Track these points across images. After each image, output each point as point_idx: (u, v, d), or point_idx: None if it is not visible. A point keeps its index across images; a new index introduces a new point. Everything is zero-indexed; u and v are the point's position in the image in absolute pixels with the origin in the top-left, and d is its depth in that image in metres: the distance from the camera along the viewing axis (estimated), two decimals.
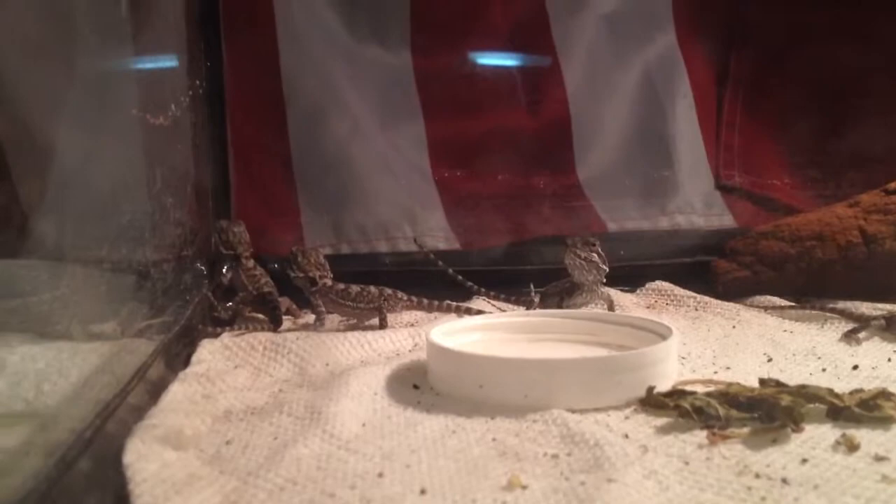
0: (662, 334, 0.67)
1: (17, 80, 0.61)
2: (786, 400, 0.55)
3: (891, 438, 0.52)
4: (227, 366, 0.71)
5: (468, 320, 0.78)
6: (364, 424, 0.56)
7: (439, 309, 0.90)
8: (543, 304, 0.91)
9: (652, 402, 0.58)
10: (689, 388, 0.60)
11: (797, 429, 0.53)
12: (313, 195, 1.15)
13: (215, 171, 1.05)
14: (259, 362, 0.73)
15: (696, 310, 0.94)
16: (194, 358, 0.71)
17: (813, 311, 0.88)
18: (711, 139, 1.30)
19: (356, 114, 1.17)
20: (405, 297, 0.89)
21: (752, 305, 0.94)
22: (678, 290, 0.99)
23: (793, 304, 0.91)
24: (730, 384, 0.59)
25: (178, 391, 0.62)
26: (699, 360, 0.72)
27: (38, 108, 0.63)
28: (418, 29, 1.20)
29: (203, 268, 0.93)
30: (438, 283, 0.98)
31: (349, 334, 0.79)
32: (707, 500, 0.44)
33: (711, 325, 0.86)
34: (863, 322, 0.80)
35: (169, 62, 0.90)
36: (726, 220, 1.25)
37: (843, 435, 0.51)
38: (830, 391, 0.57)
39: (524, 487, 0.46)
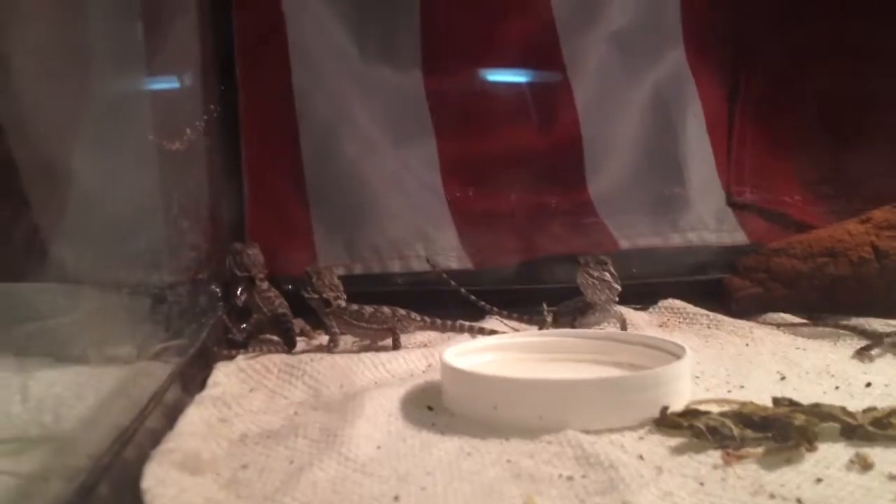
0: (676, 353, 0.67)
1: (35, 105, 0.62)
2: (799, 419, 0.55)
3: None
4: (242, 389, 0.72)
5: (482, 340, 0.79)
6: (379, 447, 0.57)
7: (452, 329, 0.90)
8: (556, 324, 0.91)
9: (666, 423, 0.59)
10: (703, 407, 0.60)
11: (811, 448, 0.53)
12: (326, 215, 1.15)
13: (229, 193, 1.06)
14: (274, 385, 0.73)
15: (709, 328, 0.94)
16: (210, 381, 0.72)
17: (826, 329, 0.88)
18: (722, 156, 1.31)
19: (368, 134, 1.18)
20: (418, 318, 0.89)
21: (764, 323, 0.94)
22: (691, 308, 0.99)
23: (805, 321, 0.91)
24: (744, 403, 0.60)
25: (195, 415, 0.62)
26: (713, 378, 0.72)
27: (56, 133, 0.64)
28: (429, 49, 1.21)
29: (218, 290, 0.93)
30: (451, 302, 0.98)
31: (363, 355, 0.80)
32: None
33: (724, 344, 0.86)
34: (875, 339, 0.80)
35: (184, 86, 0.91)
36: (738, 237, 1.25)
37: (857, 454, 0.51)
38: (843, 410, 0.57)
39: None
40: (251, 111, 1.12)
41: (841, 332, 0.86)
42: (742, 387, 0.69)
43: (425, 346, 0.87)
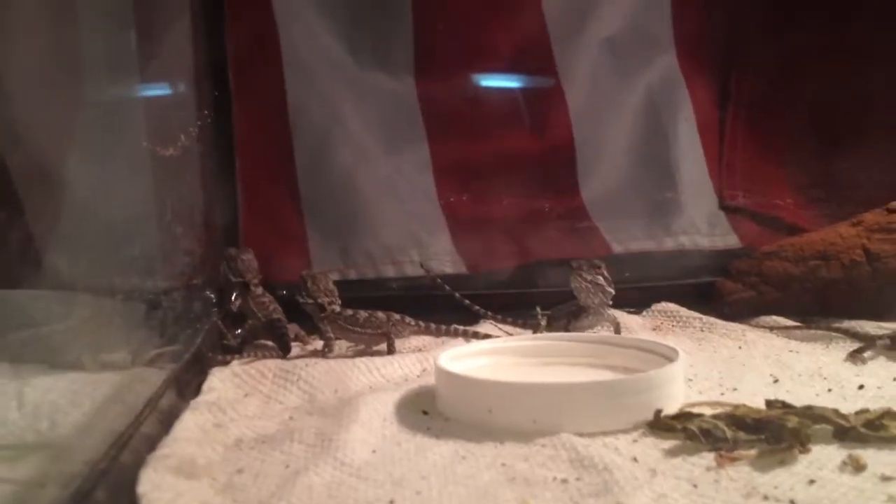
0: (669, 357, 0.67)
1: (29, 112, 0.62)
2: (792, 421, 0.55)
3: None
4: (237, 394, 0.72)
5: (476, 344, 0.79)
6: (374, 451, 0.57)
7: (447, 333, 0.90)
8: (550, 327, 0.92)
9: (660, 425, 0.59)
10: (696, 410, 0.61)
11: (804, 450, 0.53)
12: (320, 221, 1.16)
13: (223, 199, 1.06)
14: (269, 390, 0.73)
15: (702, 331, 0.94)
16: (205, 387, 0.72)
17: (818, 332, 0.88)
18: (714, 160, 1.31)
19: (361, 140, 1.18)
20: (413, 323, 0.89)
21: (757, 326, 0.94)
22: (684, 312, 1.00)
23: (798, 324, 0.92)
24: (737, 406, 0.60)
25: (190, 420, 0.62)
26: (706, 381, 0.72)
27: (49, 140, 0.64)
28: (422, 55, 1.21)
29: (212, 296, 0.94)
30: (445, 307, 0.99)
31: (358, 360, 0.80)
32: None
33: (717, 347, 0.86)
34: (867, 342, 0.80)
35: (178, 93, 0.92)
36: (731, 241, 1.25)
37: (850, 455, 0.52)
38: (836, 412, 0.57)
39: None
40: (245, 119, 1.12)
41: (833, 334, 0.86)
42: (735, 389, 0.70)
43: (419, 350, 0.87)
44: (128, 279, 0.74)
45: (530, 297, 1.03)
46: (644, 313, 1.03)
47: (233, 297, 0.93)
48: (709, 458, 0.53)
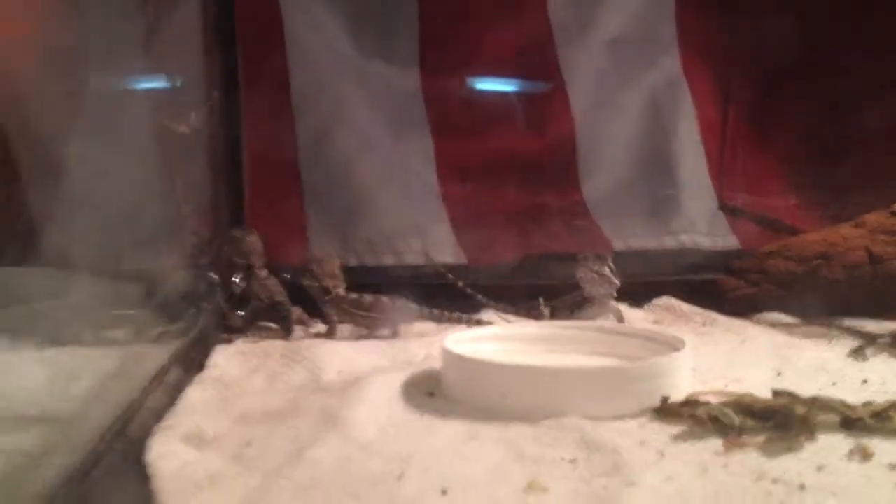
0: (675, 346, 0.67)
1: (31, 87, 0.62)
2: (800, 410, 0.55)
3: None
4: (242, 371, 0.72)
5: (482, 330, 0.79)
6: (381, 429, 0.57)
7: (450, 320, 0.90)
8: (554, 318, 0.92)
9: (666, 412, 0.59)
10: (701, 398, 0.61)
11: (811, 437, 0.54)
12: (321, 209, 1.16)
13: (230, 181, 1.06)
14: (274, 368, 0.73)
15: (704, 325, 0.94)
16: (209, 363, 0.72)
17: (820, 329, 0.89)
18: (715, 161, 1.32)
19: (364, 129, 1.18)
20: (416, 308, 0.89)
21: (758, 322, 0.94)
22: (685, 307, 1.00)
23: (799, 321, 0.92)
24: (743, 395, 0.60)
25: (195, 395, 0.62)
26: (709, 373, 0.72)
27: (53, 116, 0.64)
28: (427, 48, 1.21)
29: (216, 277, 0.93)
30: (447, 296, 0.99)
31: (362, 343, 0.80)
32: None
33: (719, 341, 0.86)
34: (869, 339, 0.81)
35: (186, 72, 0.91)
36: (730, 242, 1.26)
37: (857, 444, 0.52)
38: (843, 402, 0.57)
39: (545, 490, 0.46)
40: (251, 103, 1.12)
41: (835, 332, 0.87)
42: (738, 381, 0.70)
43: (423, 336, 0.87)
44: (132, 258, 0.74)
45: (530, 290, 1.03)
46: (645, 307, 1.03)
47: (237, 279, 0.92)
48: (716, 443, 0.53)
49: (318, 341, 0.82)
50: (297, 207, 1.15)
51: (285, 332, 0.86)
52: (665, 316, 0.99)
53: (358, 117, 1.18)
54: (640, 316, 0.99)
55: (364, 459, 0.51)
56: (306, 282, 0.88)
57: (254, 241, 0.92)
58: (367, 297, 0.87)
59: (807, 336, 0.87)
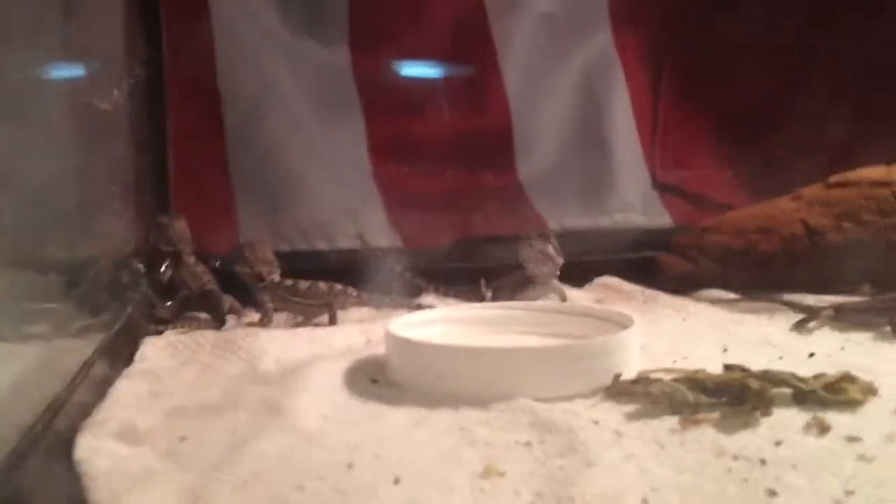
0: (623, 324, 0.66)
1: None
2: (754, 384, 0.54)
3: (860, 420, 0.52)
4: (173, 363, 0.68)
5: (425, 313, 0.76)
6: (325, 418, 0.54)
7: (390, 306, 0.88)
8: (496, 299, 0.90)
9: (619, 390, 0.58)
10: (653, 376, 0.59)
11: (766, 412, 0.53)
12: (250, 192, 1.12)
13: (155, 163, 1.01)
14: (207, 360, 0.70)
15: (645, 303, 0.93)
16: (138, 356, 0.68)
17: (760, 304, 0.88)
18: (648, 139, 1.32)
19: (294, 110, 1.15)
20: (355, 294, 0.87)
21: (698, 299, 0.94)
22: (626, 286, 0.99)
23: (739, 297, 0.92)
24: (695, 371, 0.59)
25: (125, 388, 0.59)
26: (656, 350, 0.71)
27: None
28: (357, 25, 1.18)
29: (140, 265, 0.89)
30: (384, 282, 0.96)
31: (299, 330, 0.77)
32: (688, 481, 0.43)
33: (661, 318, 0.86)
34: (812, 313, 0.81)
35: (105, 47, 0.87)
36: (665, 220, 1.26)
37: (814, 417, 0.51)
38: (794, 375, 0.57)
39: (501, 474, 0.44)
40: (177, 81, 1.08)
41: (776, 306, 0.87)
42: (686, 358, 0.68)
43: (363, 321, 0.85)
44: (50, 247, 0.70)
45: (471, 272, 1.01)
46: (586, 287, 1.01)
47: (163, 267, 0.88)
48: (671, 421, 0.52)
49: (252, 330, 0.78)
50: (226, 191, 1.11)
51: (217, 322, 0.82)
52: (607, 295, 0.98)
53: (286, 96, 1.14)
54: (582, 296, 0.98)
55: (309, 450, 0.49)
56: (238, 268, 0.84)
57: (181, 226, 0.88)
58: (303, 283, 0.84)
59: (748, 311, 0.87)
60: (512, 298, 0.87)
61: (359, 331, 0.79)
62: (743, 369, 0.58)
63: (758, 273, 0.96)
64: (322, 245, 1.11)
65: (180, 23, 1.08)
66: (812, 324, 0.79)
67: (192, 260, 0.88)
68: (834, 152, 1.13)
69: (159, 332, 0.76)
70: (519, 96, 1.25)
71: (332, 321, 0.83)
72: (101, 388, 0.59)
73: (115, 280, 0.82)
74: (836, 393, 0.55)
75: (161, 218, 0.89)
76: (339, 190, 1.14)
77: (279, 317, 0.86)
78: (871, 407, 0.54)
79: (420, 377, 0.60)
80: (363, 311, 0.89)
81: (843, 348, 0.71)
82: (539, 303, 0.82)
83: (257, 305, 0.85)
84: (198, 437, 0.51)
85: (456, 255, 1.14)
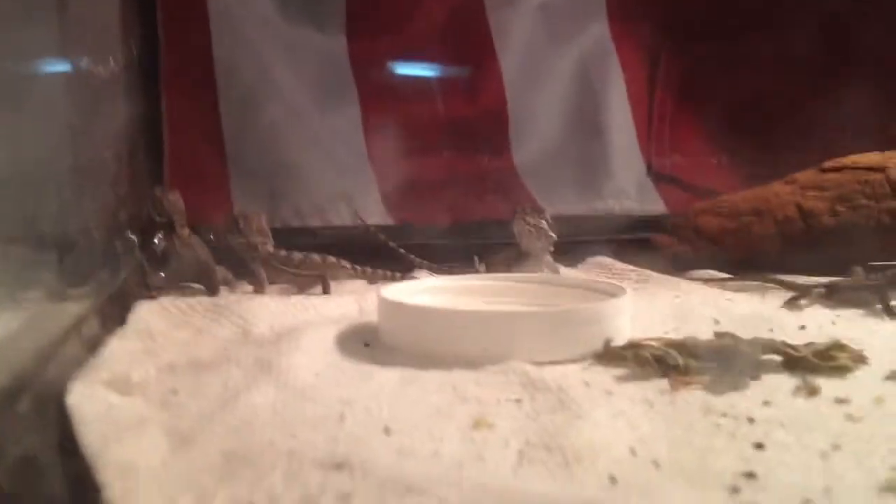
0: (615, 294, 0.66)
1: None
2: (745, 348, 0.55)
3: (849, 385, 0.52)
4: (166, 325, 0.68)
5: (420, 282, 0.77)
6: (318, 375, 0.54)
7: (383, 278, 0.88)
8: (490, 273, 0.90)
9: (609, 355, 0.58)
10: (644, 342, 0.60)
11: (755, 376, 0.53)
12: (246, 176, 1.12)
13: (149, 137, 1.01)
14: (200, 323, 0.69)
15: (638, 282, 0.94)
16: (131, 317, 0.68)
17: (752, 283, 0.89)
18: (643, 127, 1.32)
19: (291, 96, 1.15)
20: (348, 266, 0.87)
21: (691, 278, 0.94)
22: (619, 265, 0.99)
23: (731, 276, 0.92)
24: (686, 338, 0.59)
25: (118, 346, 0.59)
26: (648, 325, 0.71)
27: None
28: (353, 13, 1.19)
29: (134, 237, 0.89)
30: (377, 258, 0.96)
31: (293, 298, 0.77)
32: (677, 436, 0.43)
33: (654, 295, 0.86)
34: (803, 291, 0.81)
35: (101, 20, 0.86)
36: (659, 207, 1.27)
37: (804, 380, 0.52)
38: (785, 343, 0.57)
39: (491, 426, 0.44)
40: (172, 63, 1.08)
41: (767, 286, 0.87)
42: (677, 330, 0.69)
43: (355, 293, 0.85)
44: (44, 217, 0.70)
45: (464, 249, 1.01)
46: (579, 266, 1.02)
47: (157, 239, 0.88)
48: (661, 383, 0.53)
49: (246, 297, 0.78)
50: (222, 176, 1.11)
51: (210, 293, 0.82)
52: (600, 274, 0.99)
53: (282, 82, 1.15)
54: (575, 275, 0.98)
55: (302, 404, 0.49)
56: (232, 238, 0.84)
57: (175, 199, 0.88)
58: (297, 255, 0.84)
59: (740, 290, 0.88)
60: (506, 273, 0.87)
61: (352, 300, 0.79)
62: (733, 336, 0.59)
63: (751, 254, 0.97)
64: (316, 223, 1.12)
65: (175, 11, 1.08)
66: (803, 301, 0.79)
67: (185, 232, 0.87)
68: (827, 142, 1.14)
69: (153, 297, 0.76)
70: (515, 84, 1.26)
71: (326, 291, 0.83)
72: (94, 345, 0.59)
73: (110, 250, 0.81)
74: (827, 360, 0.55)
75: (155, 190, 0.88)
76: (334, 174, 1.15)
77: (273, 288, 0.86)
78: (861, 374, 0.55)
79: (413, 340, 0.61)
80: (356, 283, 0.89)
81: (833, 323, 0.71)
82: (531, 275, 0.82)
83: (251, 278, 0.85)
84: (190, 390, 0.51)
85: (450, 233, 1.14)
